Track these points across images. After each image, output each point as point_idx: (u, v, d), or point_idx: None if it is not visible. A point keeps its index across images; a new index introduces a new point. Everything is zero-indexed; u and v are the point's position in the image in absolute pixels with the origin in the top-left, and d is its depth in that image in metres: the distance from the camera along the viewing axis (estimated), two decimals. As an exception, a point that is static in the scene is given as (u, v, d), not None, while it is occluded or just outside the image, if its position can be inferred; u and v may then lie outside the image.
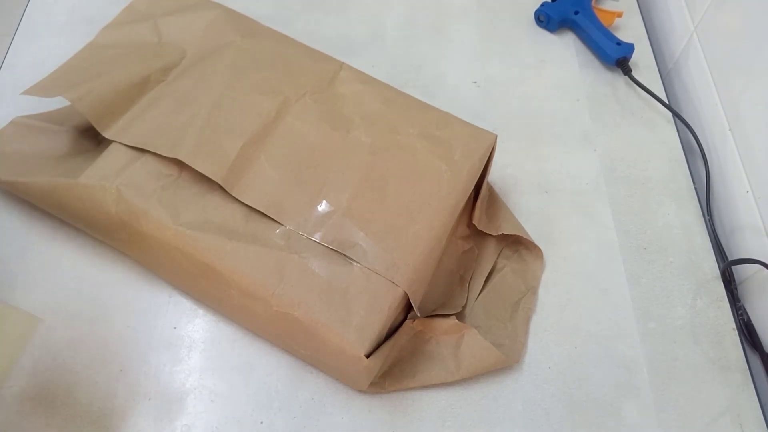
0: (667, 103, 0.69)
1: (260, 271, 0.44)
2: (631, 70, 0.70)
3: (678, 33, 0.74)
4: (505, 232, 0.55)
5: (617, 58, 0.70)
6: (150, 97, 0.52)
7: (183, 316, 0.52)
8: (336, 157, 0.50)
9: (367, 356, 0.43)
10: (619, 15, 0.74)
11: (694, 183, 0.64)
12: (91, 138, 0.54)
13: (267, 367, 0.50)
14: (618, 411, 0.50)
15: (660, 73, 0.72)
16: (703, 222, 0.61)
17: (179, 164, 0.49)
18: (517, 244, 0.57)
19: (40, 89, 0.51)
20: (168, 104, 0.52)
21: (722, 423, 0.50)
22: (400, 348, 0.49)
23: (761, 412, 0.51)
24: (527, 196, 0.61)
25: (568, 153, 0.65)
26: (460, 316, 0.52)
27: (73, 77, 0.52)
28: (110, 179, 0.48)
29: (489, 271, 0.55)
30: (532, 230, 0.57)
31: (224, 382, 0.49)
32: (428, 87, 0.68)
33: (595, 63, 0.72)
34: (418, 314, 0.48)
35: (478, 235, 0.56)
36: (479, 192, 0.55)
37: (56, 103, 0.56)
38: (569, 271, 0.57)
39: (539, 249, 0.56)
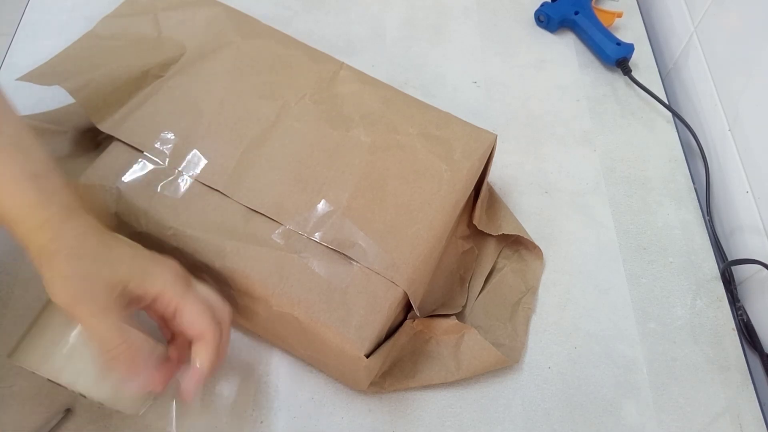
0: (667, 103, 0.69)
1: (260, 271, 0.44)
2: (631, 71, 0.70)
3: (678, 33, 0.74)
4: (505, 232, 0.55)
5: (617, 59, 0.70)
6: (147, 93, 0.52)
7: (183, 316, 0.52)
8: (336, 156, 0.50)
9: (367, 356, 0.43)
10: (619, 15, 0.74)
11: (693, 183, 0.64)
12: (90, 139, 0.54)
13: (267, 367, 0.50)
14: (618, 411, 0.51)
15: (660, 73, 0.72)
16: (703, 222, 0.61)
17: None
18: (517, 244, 0.57)
19: (37, 76, 0.50)
20: (167, 103, 0.51)
21: (722, 423, 0.50)
22: (400, 348, 0.49)
23: (761, 412, 0.51)
24: (527, 196, 0.61)
25: (568, 153, 0.65)
26: (460, 316, 0.52)
27: (71, 66, 0.52)
28: (110, 179, 0.48)
29: (489, 271, 0.55)
30: (532, 230, 0.57)
31: (224, 382, 0.49)
32: (428, 87, 0.68)
33: (595, 63, 0.73)
34: (418, 314, 0.48)
35: (478, 235, 0.56)
36: (479, 192, 0.55)
37: (55, 102, 0.55)
38: (569, 271, 0.57)
39: (539, 249, 0.56)
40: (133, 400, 0.41)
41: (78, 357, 0.39)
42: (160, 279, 0.39)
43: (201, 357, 0.40)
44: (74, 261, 0.36)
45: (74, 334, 0.39)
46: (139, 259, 0.39)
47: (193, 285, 0.42)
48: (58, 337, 0.40)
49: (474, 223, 0.55)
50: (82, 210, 0.39)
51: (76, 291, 0.36)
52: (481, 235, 0.56)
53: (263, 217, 0.47)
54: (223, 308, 0.43)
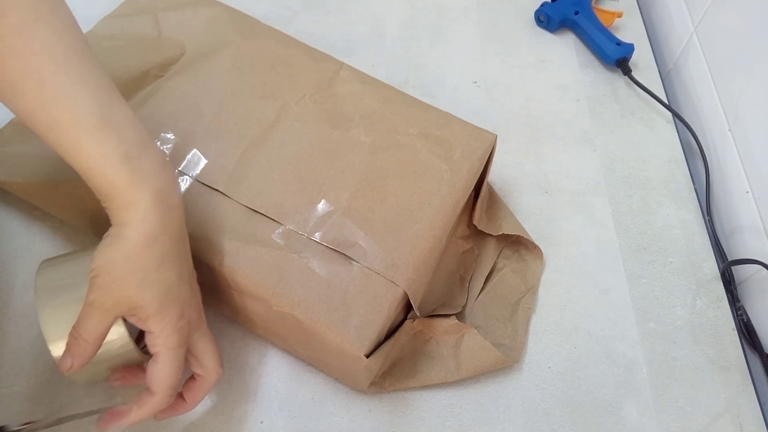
0: (667, 103, 0.69)
1: (260, 271, 0.44)
2: (631, 71, 0.70)
3: (678, 33, 0.74)
4: (505, 232, 0.55)
5: (617, 59, 0.70)
6: (147, 93, 0.52)
7: (183, 316, 0.52)
8: (336, 156, 0.50)
9: (367, 356, 0.43)
10: (619, 15, 0.74)
11: (693, 183, 0.64)
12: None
13: (267, 367, 0.50)
14: (618, 411, 0.51)
15: (660, 73, 0.72)
16: (703, 222, 0.61)
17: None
18: (517, 244, 0.57)
19: None
20: (167, 103, 0.51)
21: (722, 423, 0.50)
22: (400, 348, 0.49)
23: (761, 412, 0.51)
24: (527, 196, 0.61)
25: (568, 153, 0.65)
26: (460, 316, 0.52)
27: None
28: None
29: (489, 271, 0.55)
30: (532, 230, 0.57)
31: (224, 382, 0.49)
32: (428, 87, 0.68)
33: (595, 63, 0.73)
34: (418, 314, 0.48)
35: (478, 235, 0.56)
36: (479, 192, 0.55)
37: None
38: (569, 271, 0.57)
39: (539, 249, 0.56)
40: (80, 374, 0.42)
41: (65, 312, 0.40)
42: (162, 323, 0.39)
43: (136, 406, 0.40)
44: (124, 261, 0.37)
45: (81, 293, 0.40)
46: (170, 294, 0.39)
47: (194, 340, 0.42)
48: (72, 285, 0.41)
49: (474, 223, 0.55)
50: (172, 197, 0.39)
51: (102, 280, 0.37)
52: (481, 235, 0.56)
53: (263, 217, 0.47)
54: (212, 370, 0.43)
